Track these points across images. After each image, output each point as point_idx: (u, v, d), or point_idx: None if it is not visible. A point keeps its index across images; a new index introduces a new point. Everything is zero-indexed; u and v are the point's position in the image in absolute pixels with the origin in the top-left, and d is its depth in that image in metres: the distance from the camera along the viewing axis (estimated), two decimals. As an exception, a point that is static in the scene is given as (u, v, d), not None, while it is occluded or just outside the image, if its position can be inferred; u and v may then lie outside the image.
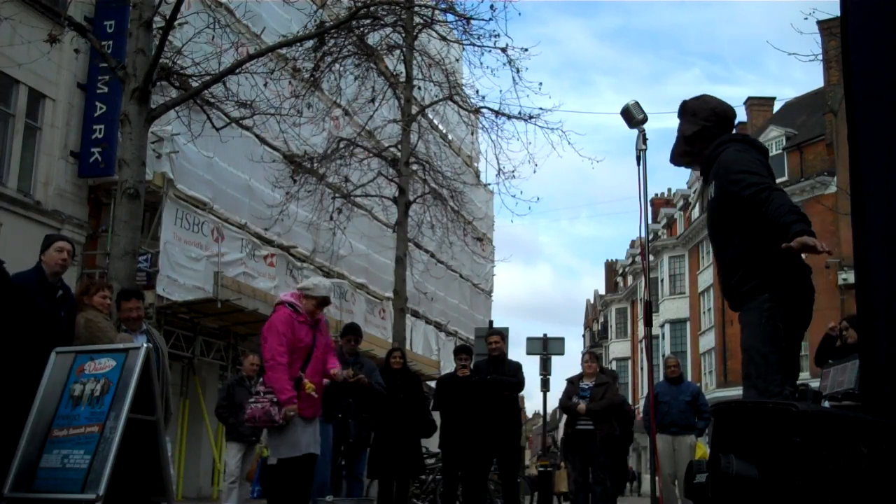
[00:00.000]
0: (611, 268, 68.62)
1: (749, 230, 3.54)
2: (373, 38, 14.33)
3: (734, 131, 3.87)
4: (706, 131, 3.72)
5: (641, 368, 52.46)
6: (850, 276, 26.28)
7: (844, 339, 7.30)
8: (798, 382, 3.52)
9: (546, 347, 17.22)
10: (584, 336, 75.62)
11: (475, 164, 28.30)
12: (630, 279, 56.58)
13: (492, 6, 13.18)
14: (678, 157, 3.82)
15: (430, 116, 18.25)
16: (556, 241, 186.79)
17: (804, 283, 3.53)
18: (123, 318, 6.23)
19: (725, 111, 3.82)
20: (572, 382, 9.79)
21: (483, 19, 13.22)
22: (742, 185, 3.46)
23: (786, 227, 3.29)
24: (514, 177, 15.02)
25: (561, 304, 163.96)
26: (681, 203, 46.24)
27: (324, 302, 6.14)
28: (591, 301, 73.24)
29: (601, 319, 64.23)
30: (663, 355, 39.58)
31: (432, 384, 14.71)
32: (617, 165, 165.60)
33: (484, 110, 15.16)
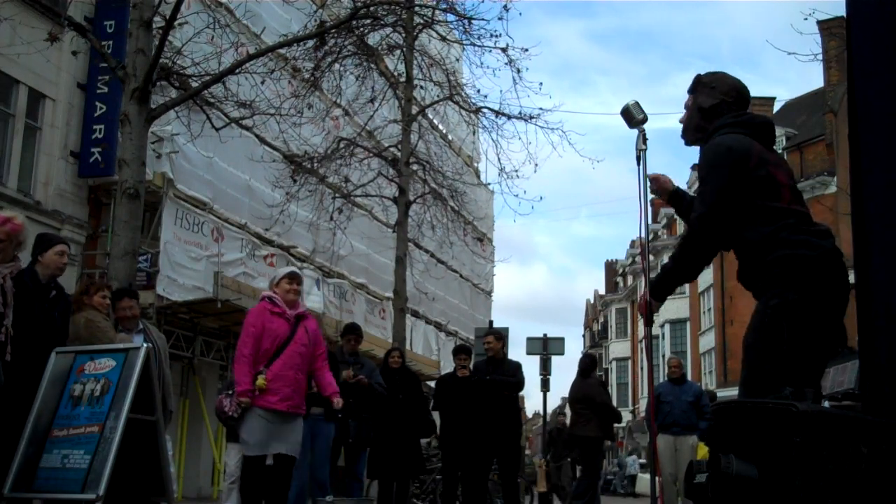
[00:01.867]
0: (611, 268, 68.63)
1: (756, 219, 3.34)
2: (373, 38, 14.33)
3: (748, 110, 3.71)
4: (724, 106, 3.56)
5: (641, 368, 52.47)
6: (851, 277, 26.27)
7: None
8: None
9: (546, 347, 17.23)
10: (584, 336, 75.62)
11: (475, 164, 28.30)
12: (630, 279, 56.58)
13: (505, 6, 13.21)
14: (693, 132, 3.64)
15: (431, 116, 18.26)
16: (553, 242, 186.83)
17: (827, 275, 3.22)
18: (119, 318, 6.23)
19: (745, 90, 3.65)
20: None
21: (484, 19, 13.24)
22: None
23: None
24: (516, 176, 15.05)
25: (558, 305, 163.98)
26: (681, 203, 46.20)
27: (291, 277, 6.12)
28: (591, 301, 73.24)
29: (601, 319, 64.24)
30: (663, 355, 39.59)
31: (432, 384, 14.70)
32: (614, 166, 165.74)
33: (484, 110, 15.19)
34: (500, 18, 13.47)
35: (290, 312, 5.99)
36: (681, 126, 3.76)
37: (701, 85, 3.65)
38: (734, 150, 3.40)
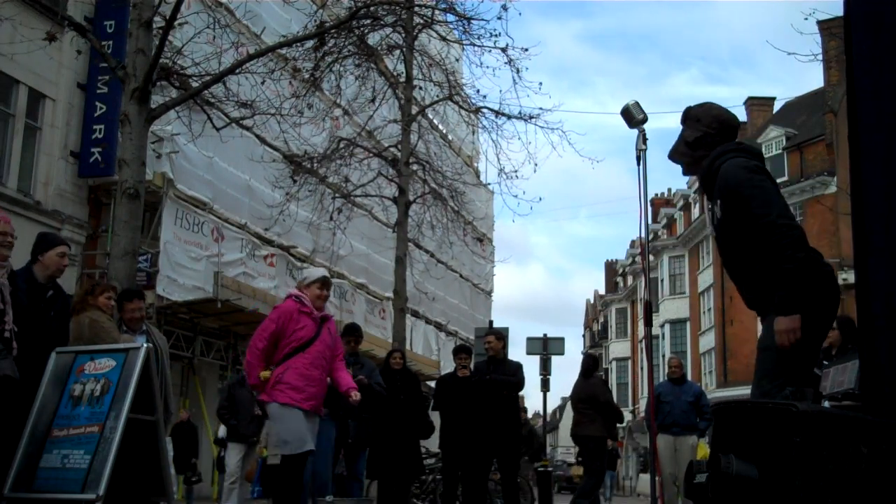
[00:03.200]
0: (611, 268, 68.62)
1: (764, 247, 3.49)
2: (373, 38, 14.33)
3: (737, 139, 3.88)
4: (708, 138, 3.74)
5: (641, 368, 52.46)
6: (851, 276, 26.30)
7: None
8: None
9: (546, 347, 17.22)
10: (584, 336, 75.63)
11: (475, 164, 28.30)
12: (630, 279, 56.57)
13: (503, 6, 13.21)
14: (678, 156, 3.86)
15: (430, 116, 18.26)
16: (549, 242, 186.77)
17: (828, 286, 3.47)
18: (127, 319, 6.23)
19: (729, 119, 3.84)
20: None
21: (483, 19, 13.25)
22: (755, 215, 3.43)
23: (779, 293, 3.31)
24: (516, 177, 15.04)
25: (555, 305, 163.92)
26: (681, 203, 46.24)
27: (325, 283, 6.12)
28: (591, 301, 73.24)
29: (601, 319, 64.23)
30: (663, 355, 39.56)
31: (432, 384, 14.70)
32: (611, 166, 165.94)
33: (484, 110, 15.19)
34: (499, 18, 13.48)
35: (317, 313, 6.00)
36: (674, 150, 3.92)
37: (689, 118, 3.83)
38: (750, 166, 3.57)
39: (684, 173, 3.97)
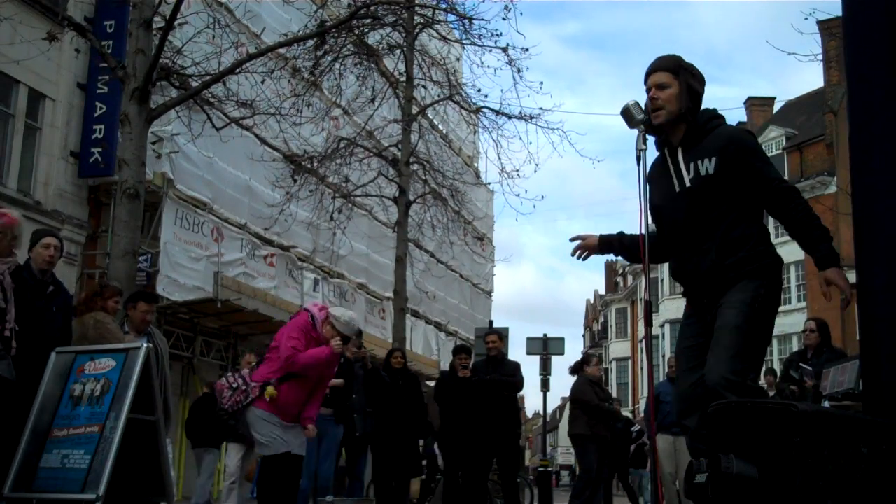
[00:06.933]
0: (611, 268, 68.59)
1: (749, 212, 3.56)
2: (373, 38, 14.33)
3: None
4: (700, 98, 3.67)
5: (641, 368, 52.45)
6: (851, 276, 26.28)
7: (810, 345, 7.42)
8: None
9: (546, 347, 17.22)
10: (584, 336, 75.62)
11: (475, 164, 28.29)
12: (630, 279, 56.54)
13: (507, 7, 13.23)
14: (673, 114, 3.57)
15: (431, 116, 18.25)
16: (540, 243, 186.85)
17: (780, 273, 3.64)
18: (139, 321, 6.24)
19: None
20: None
21: (484, 19, 13.27)
22: (771, 178, 3.53)
23: (814, 247, 3.42)
24: (517, 175, 15.05)
25: (548, 306, 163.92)
26: (681, 203, 46.17)
27: (346, 339, 6.06)
28: (591, 301, 73.23)
29: (601, 319, 64.20)
30: (663, 355, 39.52)
31: (432, 384, 14.69)
32: (603, 166, 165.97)
33: (484, 110, 15.19)
34: (504, 18, 13.50)
35: (322, 339, 5.93)
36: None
37: (684, 70, 3.67)
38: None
39: (658, 125, 3.66)
